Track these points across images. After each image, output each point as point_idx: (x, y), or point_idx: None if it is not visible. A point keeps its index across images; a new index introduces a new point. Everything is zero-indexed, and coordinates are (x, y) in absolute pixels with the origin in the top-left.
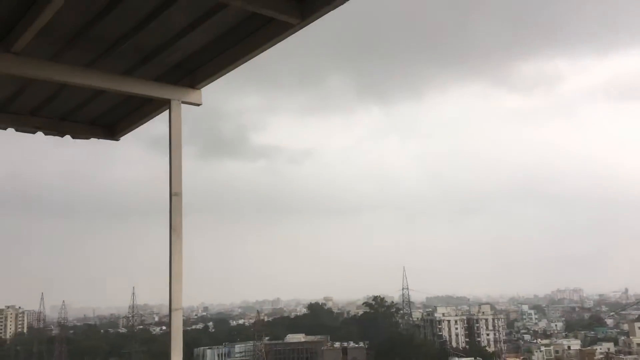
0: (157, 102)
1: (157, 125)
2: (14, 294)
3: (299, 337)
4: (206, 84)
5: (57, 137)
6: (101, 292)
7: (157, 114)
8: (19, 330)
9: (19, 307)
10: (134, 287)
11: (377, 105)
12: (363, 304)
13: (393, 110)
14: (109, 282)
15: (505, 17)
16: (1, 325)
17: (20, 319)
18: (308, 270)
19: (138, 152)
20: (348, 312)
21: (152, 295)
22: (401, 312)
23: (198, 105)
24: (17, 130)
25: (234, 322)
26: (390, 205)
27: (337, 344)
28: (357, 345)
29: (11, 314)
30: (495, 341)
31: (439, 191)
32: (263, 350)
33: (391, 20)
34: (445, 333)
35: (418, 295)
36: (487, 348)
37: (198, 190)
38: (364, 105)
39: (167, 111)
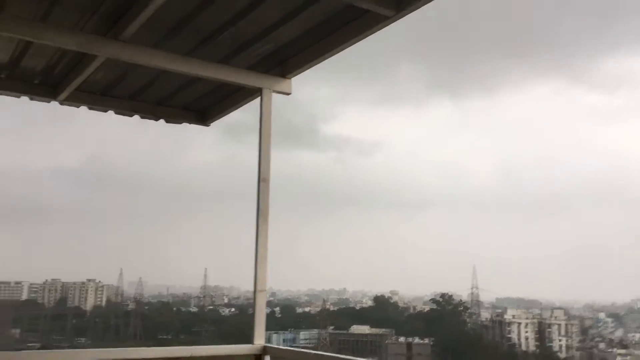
0: (248, 91)
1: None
2: (94, 269)
3: (364, 329)
4: (296, 74)
5: (137, 122)
6: (175, 271)
7: (247, 102)
8: (98, 303)
9: (99, 281)
10: (205, 269)
11: (449, 99)
12: (430, 300)
13: (465, 105)
14: (183, 262)
15: (590, 10)
16: (82, 298)
17: (99, 292)
18: (375, 263)
19: (211, 138)
20: (414, 308)
21: (222, 278)
22: (469, 311)
23: (288, 94)
24: (116, 112)
25: (300, 309)
26: (460, 201)
27: (401, 339)
28: (422, 342)
29: (91, 287)
30: (568, 347)
31: (512, 190)
32: (327, 339)
33: (466, 14)
34: (514, 336)
35: (487, 295)
36: (558, 354)
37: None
38: (435, 98)
39: (251, 101)
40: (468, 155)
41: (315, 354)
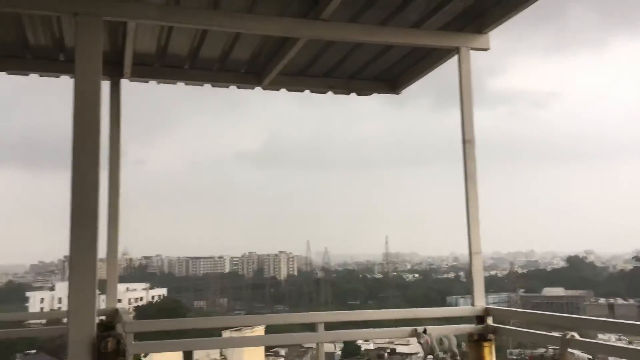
0: (441, 52)
1: None
2: (284, 241)
3: (558, 291)
4: (493, 28)
5: (304, 99)
6: (358, 239)
7: (441, 64)
8: (290, 272)
9: (290, 252)
10: (386, 237)
11: (630, 36)
12: (633, 258)
13: None
14: (365, 231)
15: None
16: (276, 268)
17: (291, 262)
18: (564, 221)
19: (376, 107)
20: (614, 266)
21: (403, 245)
22: None
23: (486, 50)
24: (311, 91)
25: (487, 273)
26: None
27: (601, 300)
28: (626, 302)
29: (283, 258)
30: None
31: None
32: (519, 302)
33: None
34: None
35: None
36: None
37: (434, 142)
38: (615, 38)
39: (445, 62)
40: None
41: (540, 314)
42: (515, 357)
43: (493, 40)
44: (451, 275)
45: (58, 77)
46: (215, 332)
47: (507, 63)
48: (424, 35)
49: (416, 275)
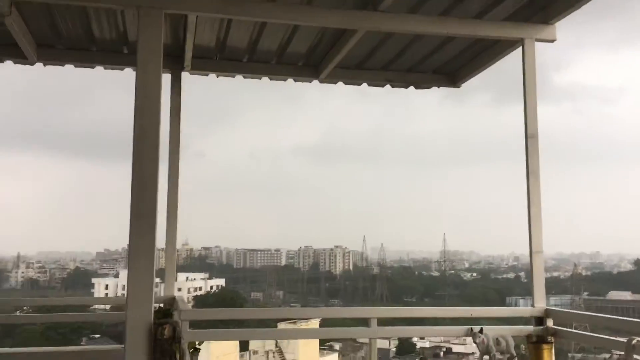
0: (504, 44)
1: None
2: (340, 236)
3: (624, 295)
4: (561, 18)
5: (359, 94)
6: (414, 236)
7: (503, 57)
8: (346, 267)
9: (345, 247)
10: (444, 234)
11: None
12: None
13: None
14: (421, 227)
15: None
16: (332, 263)
17: (346, 257)
18: (633, 223)
19: (434, 102)
20: None
21: (461, 243)
22: None
23: (552, 41)
24: (369, 85)
25: (548, 274)
26: None
27: None
28: None
29: (339, 252)
30: None
31: None
32: (582, 305)
33: None
34: None
35: None
36: None
37: (495, 138)
38: None
39: (507, 55)
40: None
41: (604, 317)
42: None
43: (558, 32)
44: (511, 275)
45: (122, 69)
46: (271, 324)
47: (572, 57)
48: (486, 26)
49: (474, 274)
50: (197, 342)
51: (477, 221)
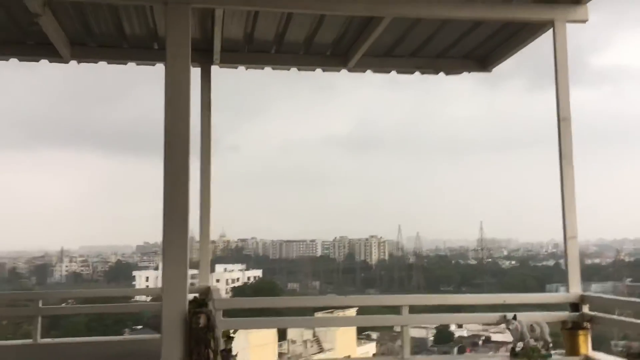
0: (534, 26)
1: None
2: (375, 225)
3: None
4: None
5: (390, 81)
6: (450, 225)
7: (533, 39)
8: (382, 257)
9: (380, 237)
10: (481, 222)
11: None
12: None
13: None
14: (457, 215)
15: None
16: (367, 252)
17: (382, 247)
18: None
19: (467, 88)
20: None
21: (499, 230)
22: None
23: (584, 22)
24: (397, 72)
25: (590, 260)
26: None
27: None
28: None
29: (374, 242)
30: None
31: None
32: (625, 291)
33: None
34: None
35: None
36: None
37: (531, 123)
38: None
39: (538, 37)
40: None
41: None
42: (620, 349)
43: (593, 13)
44: (550, 262)
45: (153, 65)
46: (308, 313)
47: (611, 37)
48: (515, 8)
49: (513, 262)
50: (231, 331)
51: (515, 208)
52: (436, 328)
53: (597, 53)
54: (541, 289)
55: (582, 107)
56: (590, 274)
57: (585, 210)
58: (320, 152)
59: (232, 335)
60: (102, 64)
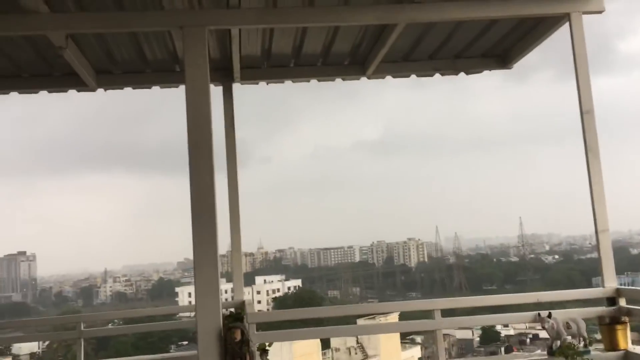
0: (551, 20)
1: None
2: (412, 228)
3: None
4: None
5: (413, 85)
6: (488, 222)
7: (552, 33)
8: (421, 259)
9: (419, 239)
10: (520, 218)
11: None
12: None
13: None
14: (494, 212)
15: None
16: (406, 255)
17: (420, 249)
18: None
19: (493, 84)
20: None
21: (539, 225)
22: None
23: (600, 12)
24: (417, 75)
25: (635, 250)
26: None
27: None
28: None
29: (413, 245)
30: None
31: None
32: None
33: None
34: None
35: None
36: None
37: (563, 115)
38: None
39: (556, 30)
40: None
41: None
42: None
43: (610, 2)
44: (595, 255)
45: (177, 87)
46: (351, 320)
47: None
48: (529, 4)
49: (556, 256)
50: (266, 344)
51: (554, 201)
52: (481, 329)
53: (625, 39)
54: (587, 282)
55: (614, 96)
56: (636, 264)
57: (630, 198)
58: (350, 158)
59: (267, 348)
60: (128, 89)
